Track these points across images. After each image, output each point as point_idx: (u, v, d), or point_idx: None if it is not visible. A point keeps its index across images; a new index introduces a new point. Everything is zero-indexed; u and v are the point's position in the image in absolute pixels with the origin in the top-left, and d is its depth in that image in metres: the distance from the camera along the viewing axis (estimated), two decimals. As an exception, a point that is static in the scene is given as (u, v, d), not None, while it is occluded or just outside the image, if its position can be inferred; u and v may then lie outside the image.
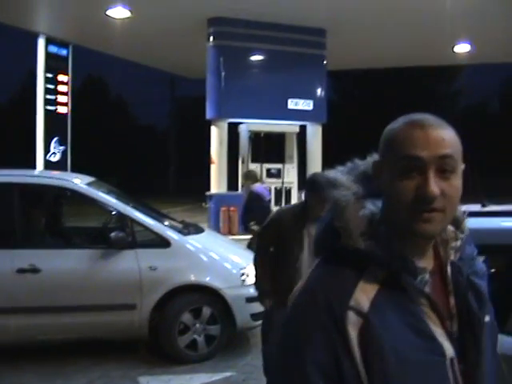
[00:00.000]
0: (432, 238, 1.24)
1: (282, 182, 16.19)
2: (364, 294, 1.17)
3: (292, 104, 16.23)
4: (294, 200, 16.31)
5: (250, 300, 6.11)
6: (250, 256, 6.75)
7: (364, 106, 41.59)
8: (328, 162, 18.06)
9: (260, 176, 15.65)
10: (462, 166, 1.23)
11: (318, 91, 16.83)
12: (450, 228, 1.31)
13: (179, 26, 15.78)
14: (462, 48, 19.61)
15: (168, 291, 5.96)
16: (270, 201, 9.64)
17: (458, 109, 47.11)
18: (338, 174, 1.32)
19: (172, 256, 6.10)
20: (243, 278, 6.21)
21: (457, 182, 1.20)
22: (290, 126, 16.32)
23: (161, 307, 5.98)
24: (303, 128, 16.97)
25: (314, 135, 17.20)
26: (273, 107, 15.77)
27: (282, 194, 16.21)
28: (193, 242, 6.39)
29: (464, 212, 1.34)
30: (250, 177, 8.69)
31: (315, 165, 17.25)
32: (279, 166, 16.26)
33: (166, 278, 5.99)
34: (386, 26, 16.19)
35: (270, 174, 16.06)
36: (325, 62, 16.85)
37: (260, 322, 6.29)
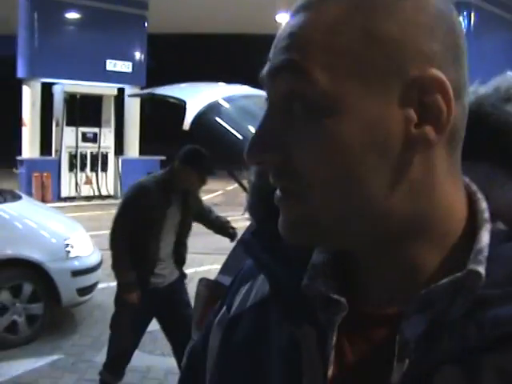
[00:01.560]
0: (301, 246, 0.66)
1: (99, 147, 15.41)
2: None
3: (110, 65, 15.48)
4: (111, 166, 15.65)
5: (76, 274, 5.63)
6: (74, 225, 6.23)
7: (182, 72, 41.38)
8: (145, 127, 17.60)
9: (76, 140, 14.83)
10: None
11: (138, 53, 16.26)
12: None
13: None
14: (284, 17, 20.01)
15: (-20, 267, 5.26)
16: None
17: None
18: None
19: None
20: (68, 249, 5.66)
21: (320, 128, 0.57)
22: (107, 89, 15.52)
23: (-29, 285, 5.26)
24: (121, 91, 16.26)
25: (133, 99, 16.57)
26: (90, 68, 14.93)
27: (99, 159, 15.45)
28: (9, 210, 5.69)
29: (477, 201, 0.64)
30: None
31: (133, 129, 16.74)
32: (96, 129, 15.42)
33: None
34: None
35: (85, 138, 15.18)
36: (146, 24, 16.24)
37: (88, 296, 5.85)
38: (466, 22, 15.43)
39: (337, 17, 0.57)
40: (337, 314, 0.63)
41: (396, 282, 0.63)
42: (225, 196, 20.01)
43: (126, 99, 16.44)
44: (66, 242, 5.66)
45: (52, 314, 5.66)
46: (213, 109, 3.13)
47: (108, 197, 15.64)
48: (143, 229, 3.70)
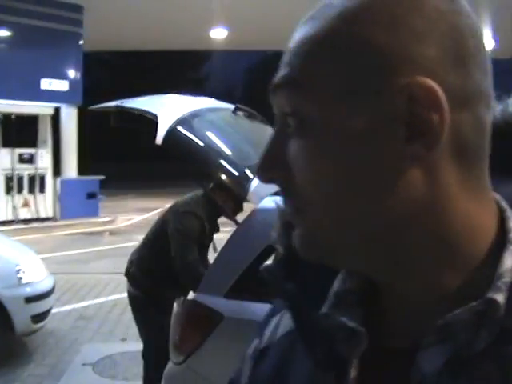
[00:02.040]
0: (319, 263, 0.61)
1: (36, 168, 14.95)
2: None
3: (46, 84, 15.07)
4: (49, 188, 15.21)
5: (29, 300, 5.40)
6: (24, 249, 5.98)
7: (118, 90, 40.97)
8: (83, 147, 17.23)
9: (12, 162, 14.34)
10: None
11: (74, 71, 15.88)
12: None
13: None
14: (219, 33, 20.02)
15: None
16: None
17: (205, 95, 48.96)
18: None
19: None
20: (19, 275, 5.43)
21: (306, 143, 0.57)
22: (43, 108, 15.09)
23: None
24: (57, 110, 15.87)
25: (69, 118, 16.25)
26: (24, 87, 14.43)
27: (36, 180, 14.97)
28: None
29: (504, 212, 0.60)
30: None
31: (70, 149, 16.35)
32: (32, 150, 14.95)
33: None
34: (142, 6, 15.90)
35: (22, 159, 14.66)
36: (81, 42, 15.95)
37: (43, 323, 5.63)
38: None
39: (327, 31, 0.56)
40: (357, 346, 0.59)
41: (411, 310, 0.59)
42: (166, 214, 19.80)
43: (63, 118, 16.09)
44: (18, 268, 5.43)
45: (5, 343, 5.41)
46: (183, 123, 3.08)
47: (47, 219, 15.18)
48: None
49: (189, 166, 3.53)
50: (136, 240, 13.82)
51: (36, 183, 14.94)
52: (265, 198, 3.02)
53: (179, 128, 2.96)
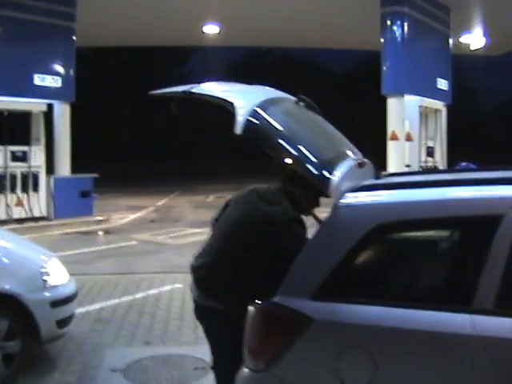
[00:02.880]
0: None
1: (29, 166, 14.57)
2: None
3: (39, 80, 14.71)
4: (43, 186, 14.83)
5: (55, 304, 5.13)
6: (46, 252, 5.71)
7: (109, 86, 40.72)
8: (75, 144, 16.85)
9: (4, 160, 13.96)
10: None
11: (67, 67, 15.52)
12: None
13: None
14: (211, 29, 19.79)
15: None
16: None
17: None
18: None
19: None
20: (45, 277, 5.16)
21: None
22: (36, 105, 14.72)
23: None
24: (50, 107, 15.50)
25: (62, 114, 15.89)
26: (17, 83, 14.14)
27: (30, 178, 14.60)
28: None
29: None
30: None
31: (63, 147, 16.00)
32: (25, 148, 14.57)
33: None
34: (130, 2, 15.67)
35: (15, 157, 14.27)
36: (74, 37, 15.60)
37: (67, 328, 5.37)
38: (399, 30, 15.74)
39: None
40: None
41: None
42: (158, 212, 19.54)
43: (56, 115, 15.71)
44: (42, 271, 5.16)
45: (31, 350, 5.14)
46: (261, 111, 2.84)
47: (41, 218, 14.82)
48: None
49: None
50: (135, 239, 13.72)
51: (29, 182, 14.57)
52: (345, 193, 2.84)
53: (258, 117, 2.73)
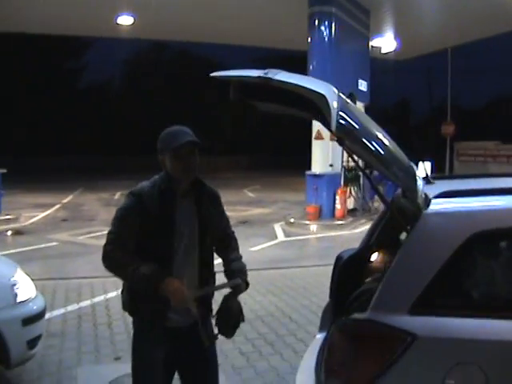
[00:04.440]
0: None
1: None
2: None
3: None
4: None
5: (26, 322, 4.48)
6: (10, 262, 5.02)
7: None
8: None
9: None
10: None
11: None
12: None
13: None
14: (125, 20, 18.94)
15: None
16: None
17: (82, 84, 47.55)
18: None
19: None
20: (15, 290, 4.48)
21: None
22: None
23: None
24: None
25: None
26: None
27: None
28: None
29: None
30: None
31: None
32: None
33: None
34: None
35: None
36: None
37: (36, 349, 4.71)
38: (327, 31, 15.69)
39: None
40: None
41: None
42: (67, 210, 18.47)
43: None
44: (12, 283, 4.48)
45: (-1, 375, 4.44)
46: (347, 108, 2.48)
47: None
48: None
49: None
50: (54, 240, 12.74)
51: None
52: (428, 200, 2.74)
53: (346, 114, 2.36)
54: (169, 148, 2.93)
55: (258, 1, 16.76)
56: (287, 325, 6.53)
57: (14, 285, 4.47)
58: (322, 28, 15.60)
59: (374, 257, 3.83)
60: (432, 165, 15.04)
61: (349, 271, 3.70)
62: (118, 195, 22.58)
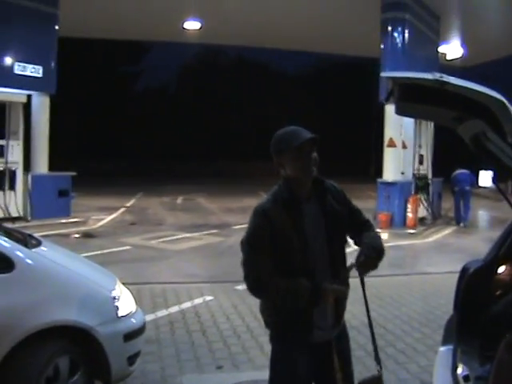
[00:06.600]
0: None
1: (6, 162, 13.44)
2: None
3: (19, 69, 13.56)
4: (20, 184, 13.72)
5: (127, 338, 4.29)
6: (110, 274, 4.88)
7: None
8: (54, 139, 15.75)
9: None
10: None
11: (48, 56, 14.43)
12: None
13: None
14: (192, 25, 18.96)
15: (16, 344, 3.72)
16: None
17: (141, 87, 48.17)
18: None
19: (17, 284, 3.87)
20: (116, 304, 4.31)
21: None
22: (15, 95, 13.58)
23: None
24: (29, 98, 14.37)
25: (42, 107, 14.82)
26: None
27: (6, 176, 13.46)
28: (43, 258, 4.22)
29: None
30: None
31: (41, 142, 14.89)
32: (2, 142, 13.43)
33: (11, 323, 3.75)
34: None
35: (-9, 151, 13.16)
36: (57, 26, 14.52)
37: (136, 365, 4.53)
38: (400, 37, 15.32)
39: None
40: None
41: None
42: (132, 213, 18.53)
43: (34, 108, 14.57)
44: (114, 296, 4.31)
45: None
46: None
47: (18, 218, 13.68)
48: None
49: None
50: (126, 244, 12.73)
51: (5, 179, 13.43)
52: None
53: None
54: (291, 147, 2.84)
55: (331, 7, 16.47)
56: (384, 335, 6.26)
57: (115, 298, 4.30)
58: (395, 34, 15.23)
59: (501, 269, 3.63)
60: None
61: (476, 284, 3.52)
62: (180, 199, 22.55)
